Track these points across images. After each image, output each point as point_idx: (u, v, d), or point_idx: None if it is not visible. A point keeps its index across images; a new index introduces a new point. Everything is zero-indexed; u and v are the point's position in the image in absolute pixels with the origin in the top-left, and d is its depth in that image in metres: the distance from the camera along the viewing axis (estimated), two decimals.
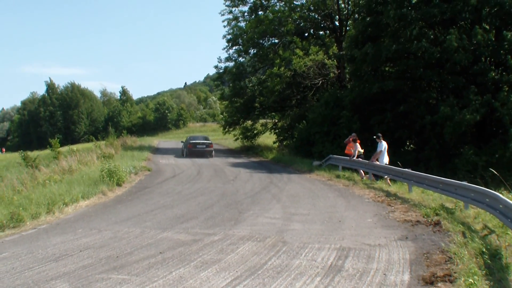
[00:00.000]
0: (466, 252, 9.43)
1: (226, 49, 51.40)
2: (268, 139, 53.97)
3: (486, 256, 9.00)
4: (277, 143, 48.90)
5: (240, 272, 8.58)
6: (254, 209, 15.61)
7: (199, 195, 19.02)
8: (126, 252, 10.14)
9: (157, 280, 8.17)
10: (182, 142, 46.95)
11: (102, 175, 21.30)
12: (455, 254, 9.32)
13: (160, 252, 10.05)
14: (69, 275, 8.55)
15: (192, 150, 41.43)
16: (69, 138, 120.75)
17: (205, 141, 42.88)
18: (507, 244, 9.93)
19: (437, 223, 12.50)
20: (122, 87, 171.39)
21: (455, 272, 8.32)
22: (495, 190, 22.08)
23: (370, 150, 23.05)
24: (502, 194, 21.39)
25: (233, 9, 50.51)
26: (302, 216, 14.27)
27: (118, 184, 21.41)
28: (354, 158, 24.54)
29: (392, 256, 9.67)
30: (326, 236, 11.45)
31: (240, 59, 52.18)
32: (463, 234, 11.06)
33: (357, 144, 24.92)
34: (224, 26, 51.24)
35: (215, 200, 17.63)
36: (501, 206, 10.68)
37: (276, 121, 52.36)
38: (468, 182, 24.60)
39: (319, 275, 8.41)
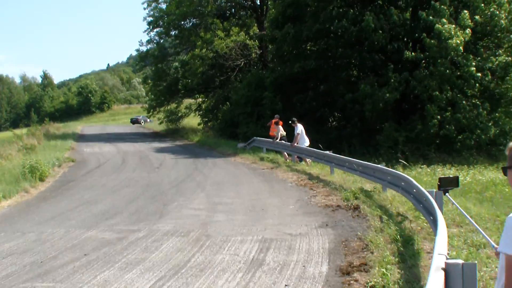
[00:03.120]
0: (381, 238, 9.80)
1: (147, 32, 50.84)
2: (193, 120, 53.92)
3: (399, 243, 9.41)
4: (202, 125, 48.93)
5: (164, 272, 8.67)
6: (179, 200, 15.70)
7: (124, 187, 18.98)
8: (51, 256, 10.06)
9: (81, 286, 8.13)
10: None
11: (24, 171, 20.82)
12: (371, 241, 9.68)
13: (85, 254, 10.01)
14: None
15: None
16: None
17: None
18: (419, 228, 10.41)
19: (356, 208, 12.87)
20: (43, 71, 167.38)
21: (370, 261, 8.63)
22: (415, 164, 22.99)
23: (292, 129, 23.35)
24: (421, 168, 22.31)
25: None
26: (226, 206, 14.45)
27: (41, 179, 20.95)
28: (277, 140, 24.88)
29: (312, 246, 9.94)
30: (249, 227, 11.64)
31: (161, 41, 51.86)
32: (380, 218, 11.48)
33: (280, 126, 25.25)
34: (144, 8, 50.60)
35: (140, 192, 17.63)
36: (414, 190, 11.11)
37: (200, 102, 52.32)
38: (389, 157, 25.59)
39: (241, 270, 8.59)
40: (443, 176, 8.69)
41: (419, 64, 28.76)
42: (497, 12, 27.55)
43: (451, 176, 8.31)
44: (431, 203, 9.06)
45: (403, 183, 12.29)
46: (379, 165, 14.92)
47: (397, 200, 13.09)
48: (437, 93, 26.84)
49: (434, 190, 9.88)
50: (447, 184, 7.43)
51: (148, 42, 51.95)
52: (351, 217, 12.18)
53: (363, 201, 13.49)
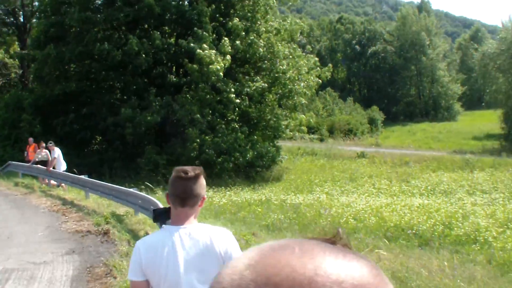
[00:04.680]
0: (126, 263, 9.67)
1: None
2: None
3: None
4: None
5: None
6: None
7: None
8: None
9: None
10: None
11: None
12: (115, 266, 9.54)
13: None
14: None
15: None
16: None
17: None
18: None
19: (106, 232, 12.67)
20: None
21: (112, 286, 8.51)
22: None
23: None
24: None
25: None
26: None
27: None
28: (33, 164, 23.80)
29: (55, 274, 9.59)
30: None
31: None
32: (128, 242, 11.35)
33: (41, 150, 24.18)
34: None
35: None
36: None
37: None
38: (151, 181, 25.61)
39: None
40: (157, 208, 8.65)
41: (182, 89, 29.24)
42: (256, 40, 28.87)
43: (166, 207, 8.22)
44: None
45: (152, 207, 12.27)
46: (131, 189, 14.81)
47: (148, 223, 13.05)
48: (198, 116, 27.39)
49: None
50: (162, 216, 7.28)
51: None
52: (100, 242, 11.96)
53: (113, 226, 13.30)
